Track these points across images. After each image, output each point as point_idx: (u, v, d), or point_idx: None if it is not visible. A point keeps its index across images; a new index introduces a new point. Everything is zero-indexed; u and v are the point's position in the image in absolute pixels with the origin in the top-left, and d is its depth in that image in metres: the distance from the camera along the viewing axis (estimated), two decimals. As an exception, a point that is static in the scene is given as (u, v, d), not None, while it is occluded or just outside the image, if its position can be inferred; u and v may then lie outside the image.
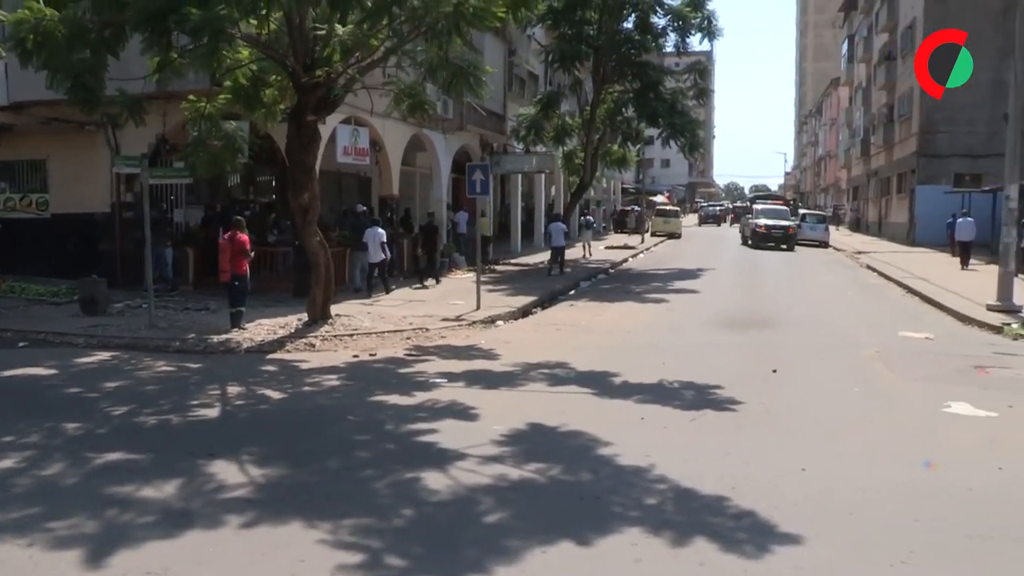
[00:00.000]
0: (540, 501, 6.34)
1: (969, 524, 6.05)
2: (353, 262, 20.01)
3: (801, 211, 52.31)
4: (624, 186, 67.92)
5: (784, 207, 46.28)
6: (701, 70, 29.16)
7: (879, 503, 6.40)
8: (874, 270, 29.32)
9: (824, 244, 41.58)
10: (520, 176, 33.15)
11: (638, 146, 33.90)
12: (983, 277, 22.92)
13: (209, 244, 18.27)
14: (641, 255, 35.42)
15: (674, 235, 47.83)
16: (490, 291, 20.13)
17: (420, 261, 22.32)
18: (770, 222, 39.63)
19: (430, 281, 21.29)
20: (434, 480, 6.70)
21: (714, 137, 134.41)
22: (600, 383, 10.52)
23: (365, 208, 21.69)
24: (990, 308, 18.44)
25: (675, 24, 28.03)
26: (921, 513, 6.23)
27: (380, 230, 19.03)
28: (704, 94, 29.58)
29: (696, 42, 29.36)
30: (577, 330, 15.35)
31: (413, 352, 12.90)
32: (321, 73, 12.30)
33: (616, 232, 49.38)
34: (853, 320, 17.32)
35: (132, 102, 12.55)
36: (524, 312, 17.84)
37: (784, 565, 5.23)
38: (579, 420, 8.47)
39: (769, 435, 8.37)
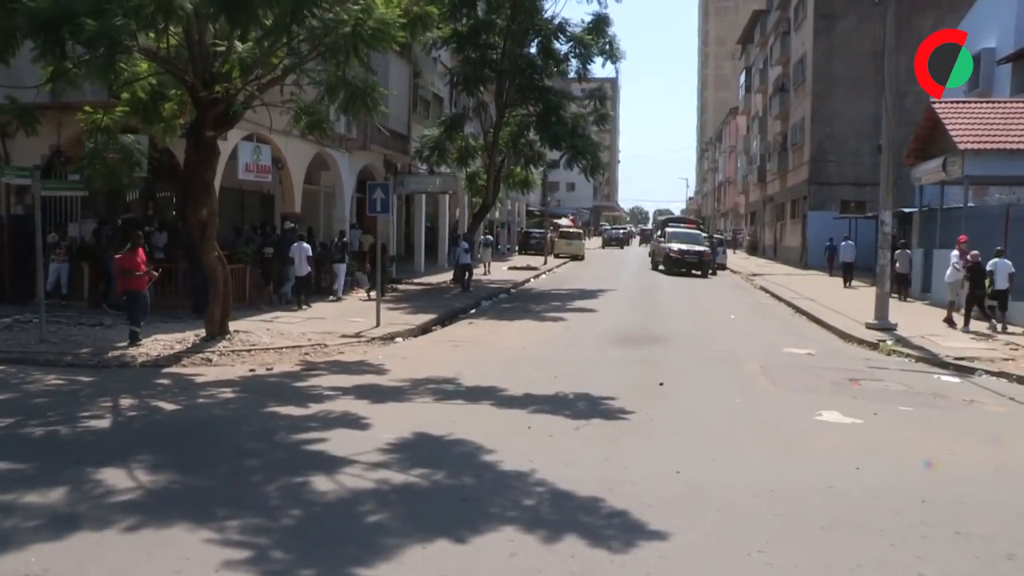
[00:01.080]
0: (422, 503, 6.58)
1: (824, 516, 6.53)
2: (284, 276, 20.26)
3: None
4: (530, 208, 68.74)
5: (697, 231, 43.93)
6: (601, 96, 29.95)
7: (744, 500, 6.84)
8: (767, 291, 30.45)
9: (722, 267, 42.72)
10: (424, 196, 33.40)
11: (541, 168, 34.43)
12: (865, 297, 24.07)
13: (102, 259, 18.03)
14: (543, 276, 35.93)
15: (577, 257, 48.61)
16: (391, 309, 20.28)
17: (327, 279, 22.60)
18: (684, 247, 37.58)
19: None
20: (321, 484, 6.89)
21: (619, 162, 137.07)
22: (490, 396, 10.83)
23: (293, 225, 21.71)
24: (868, 326, 19.45)
25: (577, 50, 28.74)
26: (782, 508, 6.69)
27: (307, 245, 20.10)
28: (605, 119, 30.34)
29: (599, 66, 30.38)
30: (474, 346, 15.65)
31: (308, 367, 12.98)
32: (220, 89, 12.37)
33: (521, 253, 49.92)
34: (742, 337, 18.01)
35: (22, 111, 12.35)
36: (424, 329, 18.04)
37: (649, 555, 5.59)
38: (466, 430, 8.74)
39: (650, 442, 8.78)
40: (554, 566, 5.35)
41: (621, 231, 79.61)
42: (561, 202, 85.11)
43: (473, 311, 22.17)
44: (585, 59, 28.95)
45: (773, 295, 28.80)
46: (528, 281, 32.79)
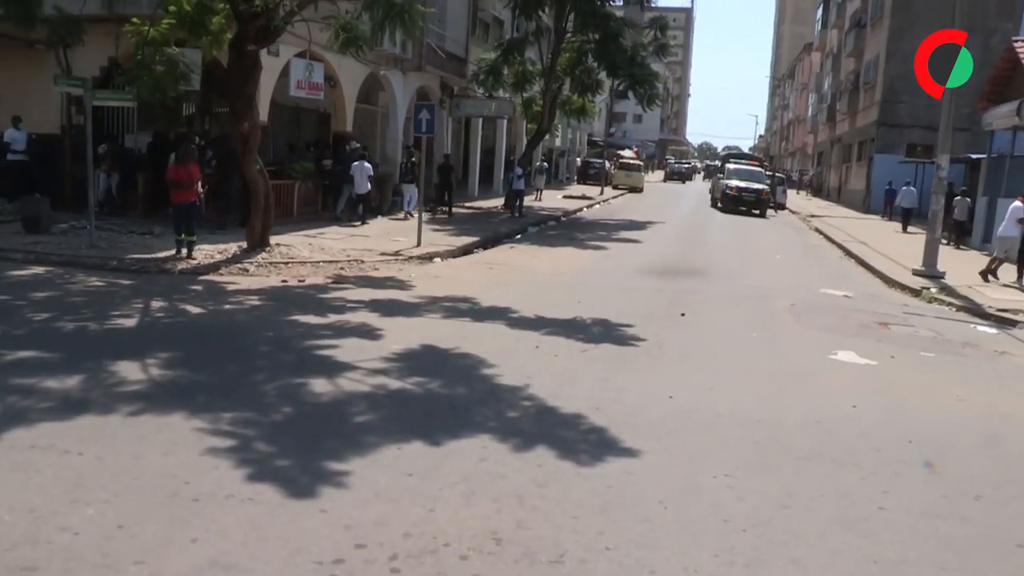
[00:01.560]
0: (410, 408, 6.85)
1: (803, 448, 6.62)
2: (341, 192, 21.44)
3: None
4: (593, 138, 68.19)
5: (759, 168, 42.54)
6: (663, 26, 29.47)
7: (728, 428, 6.96)
8: (821, 233, 30.02)
9: (781, 206, 42.03)
10: (481, 121, 33.41)
11: (600, 96, 34.11)
12: (920, 245, 23.57)
13: (157, 170, 18.50)
14: (597, 206, 35.88)
15: (636, 189, 48.28)
16: (436, 230, 20.60)
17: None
18: (742, 184, 36.42)
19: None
20: (320, 386, 7.19)
21: (689, 95, 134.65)
22: (506, 316, 11.02)
23: (358, 145, 22.14)
24: (915, 273, 19.14)
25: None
26: (764, 437, 6.79)
27: (367, 164, 20.99)
28: (665, 49, 29.84)
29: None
30: (508, 269, 15.85)
31: (338, 280, 13.32)
32: (260, 3, 12.52)
33: (579, 183, 49.71)
34: (782, 276, 17.91)
35: (68, 22, 12.64)
36: (464, 251, 18.29)
37: (615, 469, 5.77)
38: (474, 346, 8.96)
39: (653, 367, 8.92)
40: (519, 472, 5.57)
41: (685, 165, 78.56)
42: (627, 134, 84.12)
43: (519, 236, 22.34)
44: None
45: (826, 237, 28.40)
46: (580, 210, 32.77)
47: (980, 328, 13.73)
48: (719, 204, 37.99)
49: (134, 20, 14.20)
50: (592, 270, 16.49)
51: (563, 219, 28.55)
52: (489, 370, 8.04)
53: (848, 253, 23.74)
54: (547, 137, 44.22)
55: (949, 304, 15.90)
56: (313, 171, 21.21)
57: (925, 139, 39.72)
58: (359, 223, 20.76)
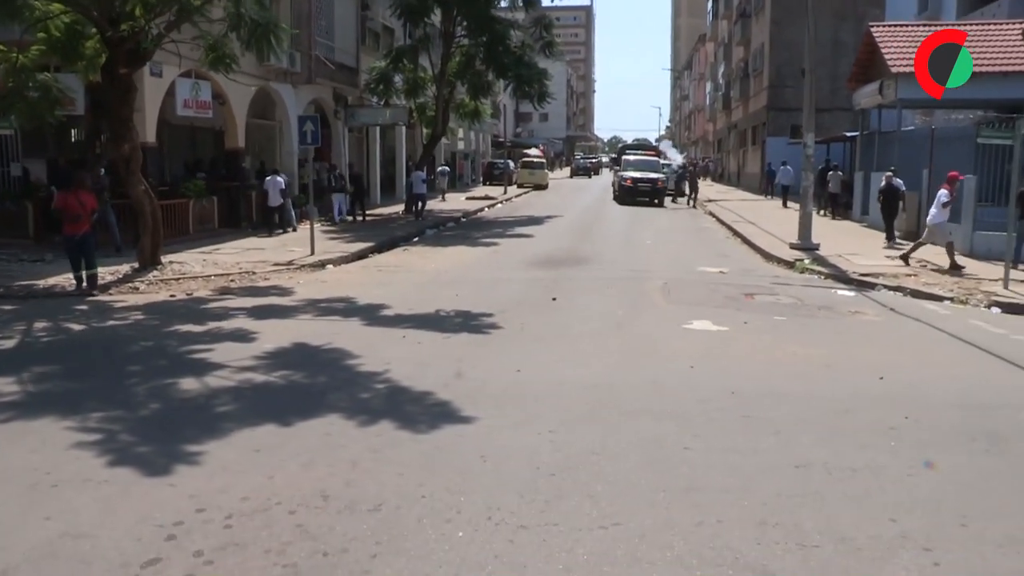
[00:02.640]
0: (271, 397, 7.40)
1: (630, 405, 7.34)
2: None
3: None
4: (499, 139, 68.97)
5: (656, 158, 43.27)
6: (547, 24, 30.26)
7: (565, 392, 7.65)
8: (714, 216, 31.22)
9: (682, 194, 43.25)
10: (379, 129, 33.85)
11: (493, 98, 34.86)
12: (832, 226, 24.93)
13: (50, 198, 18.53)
14: (499, 205, 36.61)
15: (540, 186, 49.17)
16: (332, 239, 21.10)
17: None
18: (637, 175, 37.04)
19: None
20: (188, 384, 7.70)
21: (594, 92, 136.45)
22: (382, 312, 11.65)
23: (244, 164, 23.51)
24: (792, 246, 20.31)
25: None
26: (596, 399, 7.49)
27: (280, 178, 22.39)
28: (551, 47, 30.67)
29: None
30: (397, 271, 16.43)
31: (224, 292, 13.72)
32: (127, 27, 12.84)
33: (485, 184, 50.40)
34: (664, 259, 18.79)
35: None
36: (358, 256, 18.77)
37: (447, 434, 6.42)
38: (344, 341, 9.53)
39: (510, 347, 9.60)
40: (358, 442, 6.18)
41: (591, 160, 79.94)
42: (533, 133, 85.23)
43: (416, 239, 22.88)
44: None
45: (718, 219, 29.58)
46: (482, 210, 33.46)
47: (840, 292, 14.81)
48: (616, 196, 38.68)
49: (1, 47, 14.32)
50: (478, 265, 17.15)
51: (463, 220, 29.17)
52: (352, 360, 8.63)
53: (735, 233, 24.88)
54: (448, 140, 44.91)
55: (818, 273, 17.00)
56: (205, 189, 21.47)
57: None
58: (279, 232, 21.99)
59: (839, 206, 28.81)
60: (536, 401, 7.38)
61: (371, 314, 11.50)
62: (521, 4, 30.43)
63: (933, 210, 17.01)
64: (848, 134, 31.18)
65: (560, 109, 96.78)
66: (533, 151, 64.43)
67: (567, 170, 77.49)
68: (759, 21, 47.20)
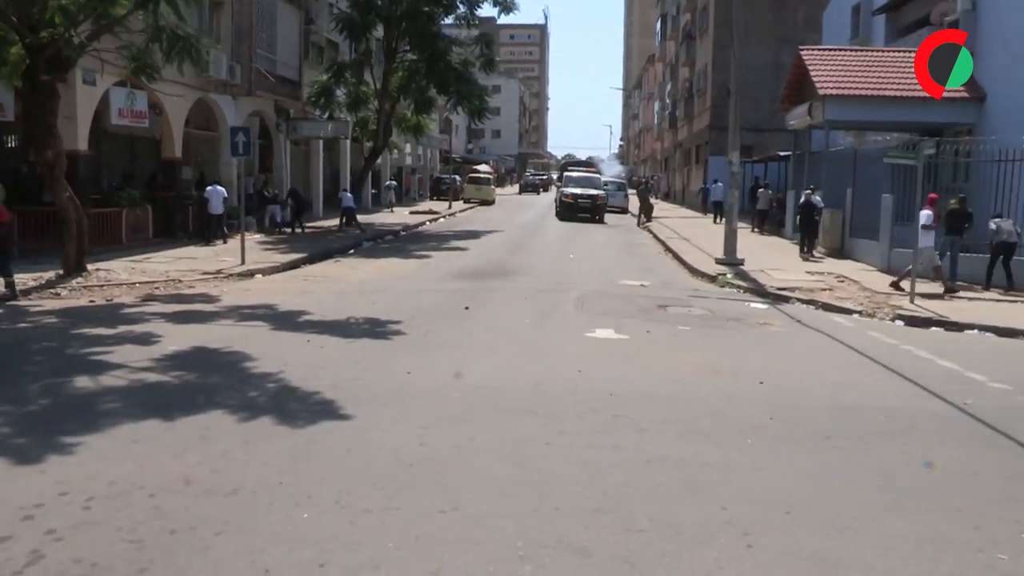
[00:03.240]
0: (159, 395, 7.65)
1: (506, 405, 7.69)
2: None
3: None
4: (450, 155, 69.33)
5: (597, 175, 43.91)
6: (487, 41, 30.68)
7: (447, 395, 7.98)
8: (650, 232, 31.82)
9: (624, 210, 43.89)
10: (322, 143, 33.99)
11: (439, 113, 35.16)
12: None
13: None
14: (442, 219, 36.88)
15: (487, 201, 49.54)
16: (267, 249, 21.31)
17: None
18: (578, 191, 37.23)
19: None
20: (82, 383, 7.93)
21: (548, 109, 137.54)
22: (294, 318, 11.94)
23: (189, 177, 23.78)
24: (718, 261, 20.89)
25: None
26: (476, 401, 7.82)
27: (221, 188, 23.05)
28: (491, 64, 31.05)
29: (499, 11, 30.88)
30: (323, 280, 16.68)
31: (148, 298, 13.87)
32: (47, 34, 12.99)
33: (432, 199, 50.69)
34: (590, 272, 19.18)
35: None
36: (290, 267, 18.97)
37: (321, 428, 6.73)
38: (248, 344, 9.80)
39: (409, 352, 9.90)
40: (233, 435, 6.48)
41: (540, 177, 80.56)
42: (485, 149, 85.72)
43: (351, 251, 23.10)
44: (473, 4, 29.68)
45: (654, 235, 30.13)
46: (423, 224, 33.75)
47: (754, 305, 15.33)
48: (558, 212, 38.81)
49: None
50: (404, 277, 17.44)
51: (403, 233, 29.43)
52: (250, 363, 8.90)
53: (667, 249, 25.42)
54: (396, 155, 45.15)
55: (738, 287, 17.55)
56: (140, 199, 21.54)
57: (753, 140, 42.49)
58: (217, 243, 22.26)
59: (771, 222, 29.62)
60: (416, 400, 7.70)
61: (286, 320, 11.77)
62: (463, 22, 30.74)
63: (921, 234, 16.11)
64: (782, 154, 32.00)
65: (513, 126, 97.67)
66: (483, 167, 64.89)
67: (517, 186, 78.07)
68: (703, 42, 48.18)
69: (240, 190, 20.91)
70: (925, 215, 16.29)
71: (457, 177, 52.29)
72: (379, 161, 36.74)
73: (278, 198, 27.24)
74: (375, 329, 11.22)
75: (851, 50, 27.75)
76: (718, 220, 32.57)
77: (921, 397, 8.71)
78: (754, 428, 7.30)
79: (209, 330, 10.93)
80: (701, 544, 4.93)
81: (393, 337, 10.76)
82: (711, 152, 44.71)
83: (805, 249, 22.85)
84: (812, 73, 25.57)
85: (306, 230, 27.13)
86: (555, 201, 44.86)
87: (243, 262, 18.27)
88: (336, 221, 28.91)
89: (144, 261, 18.42)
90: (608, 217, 39.71)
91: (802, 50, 27.16)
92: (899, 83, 24.66)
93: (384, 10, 28.54)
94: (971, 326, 13.73)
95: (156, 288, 15.15)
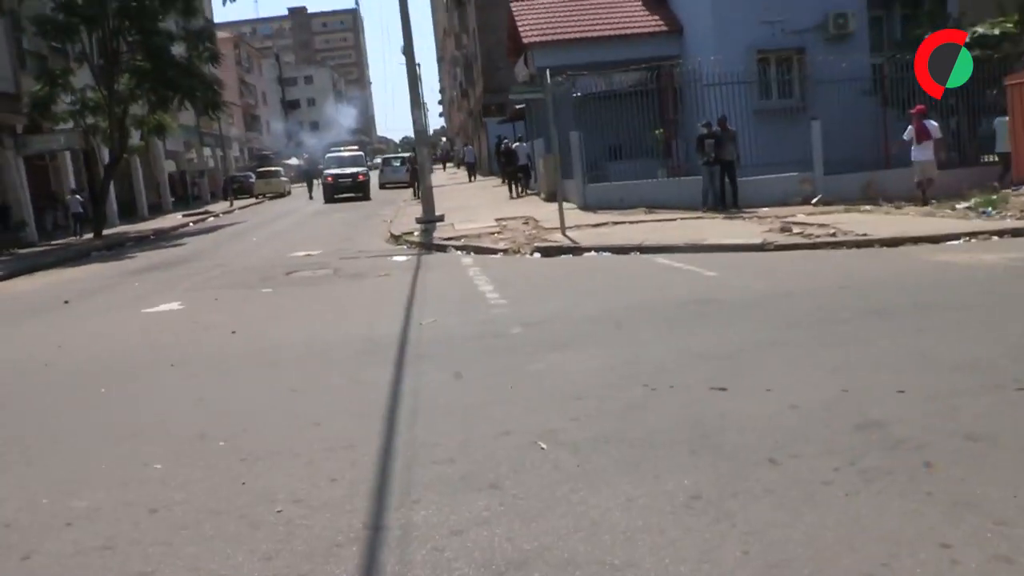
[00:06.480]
0: None
1: None
2: None
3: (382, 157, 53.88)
4: (263, 152, 68.39)
5: (358, 153, 43.95)
6: (210, 35, 30.24)
7: None
8: (406, 202, 32.14)
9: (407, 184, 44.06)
10: (68, 155, 32.83)
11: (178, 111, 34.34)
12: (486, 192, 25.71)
13: None
14: (212, 219, 36.13)
15: (280, 194, 49.10)
16: None
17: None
18: (337, 171, 37.57)
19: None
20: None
21: (370, 95, 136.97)
22: None
23: None
24: (417, 220, 21.36)
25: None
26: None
27: None
28: (215, 57, 30.53)
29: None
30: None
31: None
32: None
33: (224, 199, 49.83)
34: (268, 249, 19.58)
35: None
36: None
37: None
38: None
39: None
40: None
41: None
42: (302, 143, 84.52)
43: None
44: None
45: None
46: (186, 225, 32.97)
47: (396, 259, 15.90)
48: (324, 195, 38.42)
49: None
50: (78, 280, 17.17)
51: (152, 237, 28.64)
52: None
53: (397, 216, 25.65)
54: (195, 158, 44.04)
55: (411, 243, 18.06)
56: None
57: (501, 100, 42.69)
58: None
59: (527, 178, 29.61)
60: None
61: None
62: (183, 17, 29.93)
63: (913, 149, 17.33)
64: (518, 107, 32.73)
65: (331, 116, 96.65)
66: (293, 160, 64.19)
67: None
68: (471, 6, 48.69)
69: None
70: (908, 130, 17.46)
71: (251, 174, 51.59)
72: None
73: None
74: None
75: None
76: (472, 179, 33.33)
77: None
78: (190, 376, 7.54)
79: None
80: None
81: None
82: (487, 115, 45.39)
83: (513, 196, 23.56)
84: (518, 23, 26.19)
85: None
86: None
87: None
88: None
89: None
90: (388, 193, 39.93)
91: (511, 2, 27.72)
92: (605, 24, 25.61)
93: (87, 10, 27.48)
94: (590, 249, 14.61)
95: None
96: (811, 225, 14.98)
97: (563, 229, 16.59)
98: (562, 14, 26.58)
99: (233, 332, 9.25)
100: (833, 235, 13.78)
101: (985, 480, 4.01)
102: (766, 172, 19.51)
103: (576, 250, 14.68)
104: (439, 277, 12.88)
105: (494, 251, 15.68)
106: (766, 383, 5.76)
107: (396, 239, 19.19)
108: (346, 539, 3.90)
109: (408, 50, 22.05)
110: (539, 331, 8.06)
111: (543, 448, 4.84)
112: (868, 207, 17.48)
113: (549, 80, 17.50)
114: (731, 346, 6.85)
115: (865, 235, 13.37)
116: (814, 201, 18.58)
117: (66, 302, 13.16)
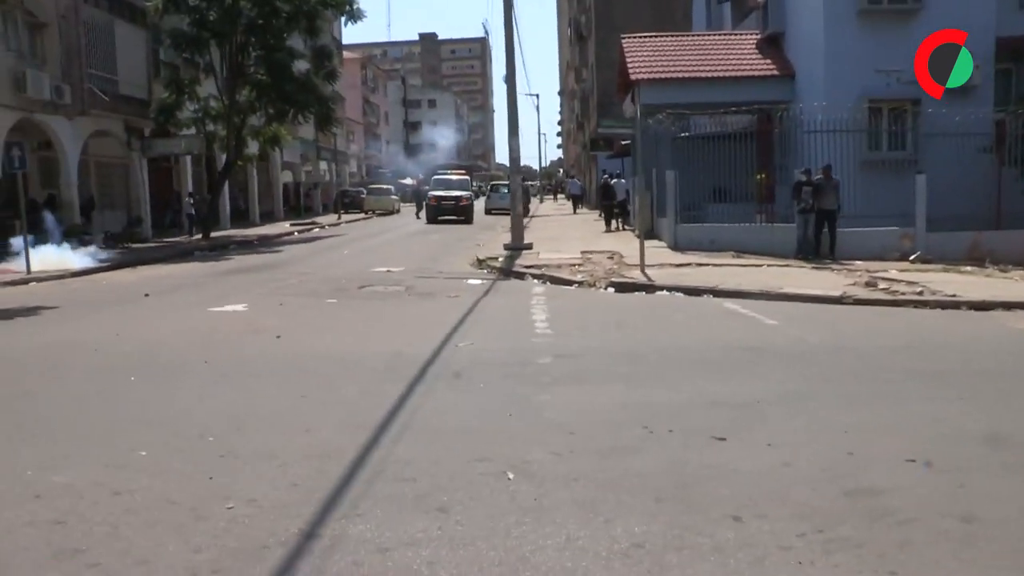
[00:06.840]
0: None
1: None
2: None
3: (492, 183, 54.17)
4: (380, 169, 70.04)
5: (464, 177, 43.88)
6: (327, 54, 31.20)
7: (87, 354, 8.50)
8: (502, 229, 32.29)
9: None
10: (190, 159, 34.30)
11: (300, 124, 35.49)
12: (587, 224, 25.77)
13: None
14: (317, 229, 37.14)
15: (389, 211, 50.00)
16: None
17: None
18: (441, 193, 37.79)
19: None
20: None
21: (493, 122, 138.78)
22: None
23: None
24: (505, 247, 21.44)
25: (303, 7, 29.72)
26: (103, 360, 8.35)
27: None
28: (332, 75, 31.50)
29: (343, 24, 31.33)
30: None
31: None
32: None
33: (335, 212, 51.08)
34: (358, 263, 19.78)
35: None
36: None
37: None
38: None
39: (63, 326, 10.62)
40: None
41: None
42: (418, 163, 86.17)
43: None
44: (312, 16, 30.15)
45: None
46: (291, 234, 33.98)
47: (471, 282, 15.95)
48: (427, 216, 38.42)
49: None
50: (172, 276, 17.90)
51: (255, 242, 29.63)
52: None
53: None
54: (311, 170, 45.23)
55: (492, 268, 18.13)
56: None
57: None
58: None
59: (625, 214, 29.24)
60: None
61: None
62: (307, 36, 31.05)
63: None
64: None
65: (452, 139, 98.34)
66: (408, 180, 65.31)
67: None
68: (591, 43, 48.95)
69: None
70: None
71: (363, 190, 52.85)
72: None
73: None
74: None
75: (669, 36, 28.32)
76: (576, 211, 33.33)
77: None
78: (250, 376, 7.72)
79: None
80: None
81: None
82: (593, 149, 45.46)
83: (610, 230, 23.37)
84: (628, 60, 26.13)
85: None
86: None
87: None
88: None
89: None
90: (492, 219, 40.06)
91: (623, 38, 27.69)
92: (716, 64, 25.29)
93: (217, 26, 28.91)
94: (664, 288, 14.41)
95: None
96: (899, 282, 14.36)
97: (643, 266, 16.37)
98: (673, 53, 26.36)
99: (278, 337, 9.45)
100: (920, 293, 13.16)
101: (962, 567, 3.72)
102: (868, 224, 18.79)
103: (649, 288, 14.47)
104: (501, 302, 12.90)
105: (569, 282, 15.62)
106: (769, 437, 5.53)
107: (480, 263, 19.28)
108: (276, 542, 3.92)
109: (510, 79, 22.32)
110: (567, 363, 7.96)
111: (510, 478, 4.74)
112: (970, 268, 16.61)
113: (639, 116, 17.36)
114: (751, 396, 6.61)
115: (954, 296, 12.73)
116: (912, 258, 17.80)
117: (147, 295, 13.72)
